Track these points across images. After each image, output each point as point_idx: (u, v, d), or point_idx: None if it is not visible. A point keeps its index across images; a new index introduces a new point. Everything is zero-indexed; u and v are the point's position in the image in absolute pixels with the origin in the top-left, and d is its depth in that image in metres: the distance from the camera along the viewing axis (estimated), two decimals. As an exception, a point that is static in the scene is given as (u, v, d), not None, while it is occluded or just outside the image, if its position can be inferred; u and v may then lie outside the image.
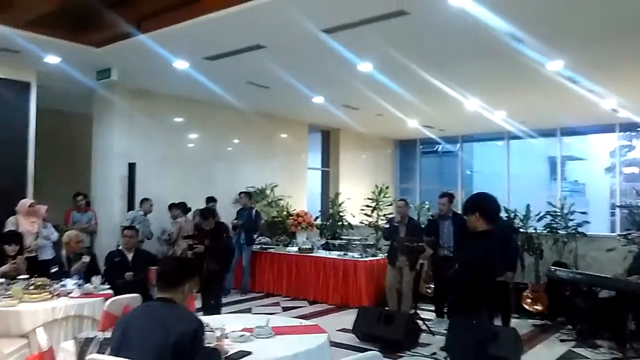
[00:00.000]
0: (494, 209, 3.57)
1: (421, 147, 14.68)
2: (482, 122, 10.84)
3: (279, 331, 3.44)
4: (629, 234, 6.86)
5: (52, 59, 6.81)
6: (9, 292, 4.25)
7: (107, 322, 3.75)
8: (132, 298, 3.98)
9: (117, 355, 2.50)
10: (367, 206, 9.89)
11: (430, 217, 7.04)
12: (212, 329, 3.07)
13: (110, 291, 4.70)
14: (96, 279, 4.87)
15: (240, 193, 8.99)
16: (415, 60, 6.67)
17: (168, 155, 9.09)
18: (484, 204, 3.50)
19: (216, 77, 7.71)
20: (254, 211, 8.80)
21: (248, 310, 7.32)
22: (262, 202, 10.05)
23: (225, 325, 3.27)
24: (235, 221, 8.63)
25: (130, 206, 8.25)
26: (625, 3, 4.89)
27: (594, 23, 5.44)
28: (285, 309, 7.65)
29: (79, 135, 9.18)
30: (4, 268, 4.87)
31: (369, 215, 9.74)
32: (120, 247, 5.77)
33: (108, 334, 2.91)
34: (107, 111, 8.54)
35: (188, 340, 2.50)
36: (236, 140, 10.46)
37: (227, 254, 6.46)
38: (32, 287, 4.33)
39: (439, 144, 14.40)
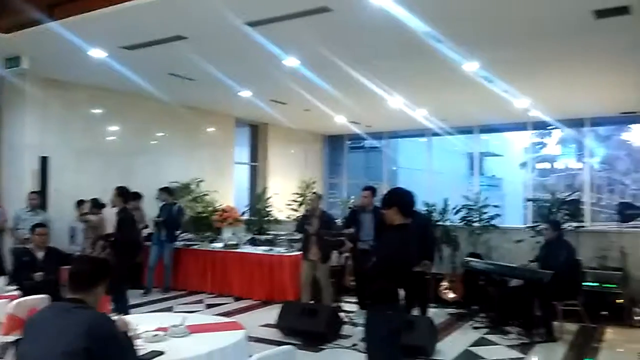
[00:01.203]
0: (410, 203, 3.72)
1: (349, 142, 14.93)
2: (405, 119, 11.17)
3: (195, 329, 3.39)
4: (537, 226, 7.35)
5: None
6: None
7: (11, 325, 3.54)
8: (39, 299, 3.78)
9: (24, 358, 2.37)
10: (294, 201, 9.94)
11: (351, 207, 7.17)
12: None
13: (17, 292, 4.43)
14: (1, 280, 4.59)
15: (161, 189, 8.72)
16: (341, 56, 6.76)
17: (86, 148, 8.67)
18: (400, 198, 3.62)
19: (136, 67, 7.43)
20: (176, 207, 8.57)
21: (169, 309, 7.15)
22: (187, 197, 9.82)
23: (138, 325, 3.17)
24: (157, 218, 8.38)
25: (43, 202, 7.78)
26: (535, 8, 5.19)
27: (507, 26, 5.75)
28: (209, 307, 7.54)
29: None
30: None
31: (296, 210, 9.79)
32: (29, 246, 5.45)
33: (12, 337, 2.75)
34: (17, 101, 8.00)
35: (103, 343, 2.41)
36: (160, 133, 10.14)
37: (127, 247, 6.22)
38: None
39: (366, 139, 14.71)
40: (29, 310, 3.46)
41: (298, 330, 5.78)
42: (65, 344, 2.37)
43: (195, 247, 8.82)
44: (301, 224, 6.95)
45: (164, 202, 8.56)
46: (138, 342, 3.01)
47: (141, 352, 2.86)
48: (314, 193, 7.26)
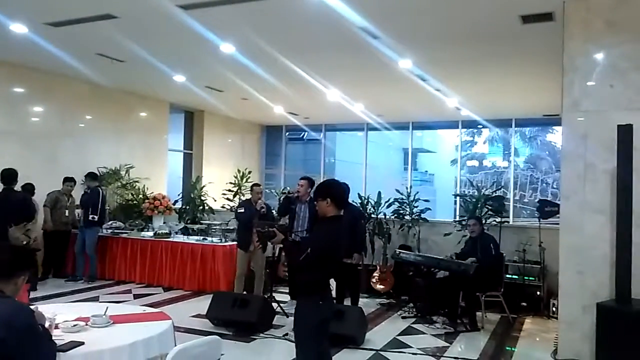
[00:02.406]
0: (343, 195, 3.75)
1: (287, 133, 14.90)
2: (343, 113, 11.28)
3: (119, 319, 3.26)
4: (463, 220, 7.65)
5: None
6: None
7: None
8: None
9: None
10: (229, 190, 9.80)
11: (286, 193, 7.14)
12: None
13: None
14: None
15: (86, 174, 8.35)
16: (277, 46, 6.71)
17: (5, 129, 8.11)
18: (334, 190, 3.64)
19: (62, 45, 7.03)
20: (97, 192, 8.17)
21: (95, 299, 6.86)
22: (116, 183, 9.43)
23: (57, 315, 3.02)
24: (78, 204, 8.08)
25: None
26: (468, 10, 5.37)
27: (441, 26, 5.91)
28: (136, 297, 7.31)
29: None
30: None
31: (231, 200, 9.66)
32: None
33: None
34: None
35: (19, 334, 2.30)
36: (88, 116, 9.65)
37: None
38: None
39: (305, 131, 14.73)
40: None
41: (229, 321, 5.72)
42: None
43: (124, 235, 8.50)
44: (245, 215, 6.81)
45: (87, 188, 8.19)
46: (56, 333, 2.87)
47: (59, 343, 2.72)
48: (257, 184, 7.18)
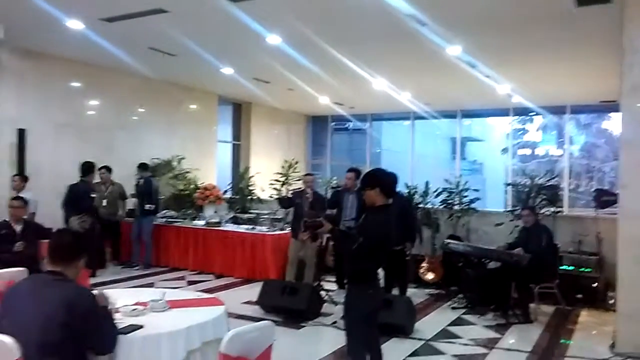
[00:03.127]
0: (392, 184, 3.73)
1: (333, 123, 14.89)
2: (389, 102, 11.17)
3: (175, 304, 3.38)
4: (515, 210, 7.46)
5: None
6: None
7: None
8: (17, 272, 3.73)
9: (3, 331, 2.35)
10: (277, 180, 9.92)
11: (334, 187, 7.19)
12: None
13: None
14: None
15: (138, 165, 8.62)
16: (324, 36, 6.70)
17: (64, 121, 8.50)
18: (382, 179, 3.63)
19: (116, 40, 7.27)
20: (151, 183, 8.47)
21: (151, 285, 7.12)
22: (168, 174, 9.72)
23: (117, 300, 3.16)
24: (133, 193, 8.41)
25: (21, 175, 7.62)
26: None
27: (491, 10, 5.74)
28: (190, 283, 7.54)
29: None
30: None
31: (278, 190, 9.78)
32: (7, 219, 5.36)
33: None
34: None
35: (81, 317, 2.42)
36: (141, 109, 9.97)
37: None
38: None
39: (350, 121, 14.69)
40: (7, 282, 3.42)
41: (279, 308, 5.82)
42: (45, 317, 2.38)
43: (177, 224, 8.78)
44: (288, 201, 6.94)
45: (140, 178, 8.48)
46: (117, 317, 3.00)
47: (120, 326, 2.85)
48: (309, 174, 7.28)
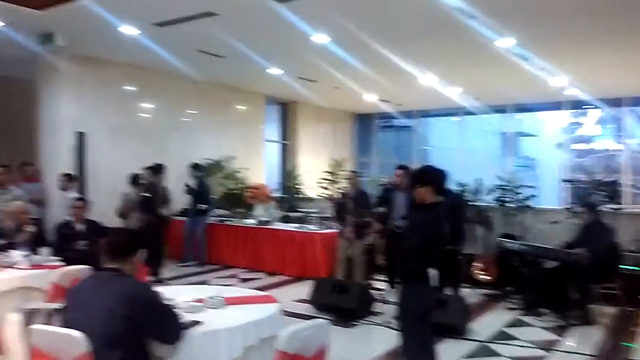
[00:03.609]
0: (443, 181, 3.67)
1: (379, 121, 14.79)
2: (437, 98, 11.00)
3: (231, 301, 3.43)
4: (573, 207, 7.18)
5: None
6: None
7: (55, 293, 3.67)
8: (82, 270, 3.90)
9: (67, 326, 2.46)
10: (325, 179, 9.95)
11: (384, 185, 7.13)
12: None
13: (59, 263, 4.57)
14: (44, 251, 4.73)
15: (190, 165, 8.83)
16: (371, 33, 6.66)
17: (120, 124, 8.82)
18: (433, 176, 3.58)
19: (167, 44, 7.48)
20: (203, 183, 8.70)
21: (204, 283, 7.29)
22: (219, 174, 9.92)
23: (175, 296, 3.24)
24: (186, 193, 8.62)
25: (81, 177, 7.97)
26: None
27: (545, 1, 5.55)
28: (242, 281, 7.66)
29: (22, 103, 8.78)
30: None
31: (327, 189, 9.81)
32: (69, 218, 5.61)
33: (55, 305, 2.86)
34: (52, 77, 8.16)
35: (143, 310, 2.51)
36: (191, 111, 10.23)
37: None
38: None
39: (397, 118, 14.55)
40: (73, 280, 3.58)
41: (330, 306, 5.82)
42: (108, 311, 2.47)
43: (229, 222, 8.95)
44: (339, 209, 6.96)
45: (192, 178, 8.68)
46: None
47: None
48: (353, 172, 7.27)
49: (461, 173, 11.73)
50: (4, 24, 6.48)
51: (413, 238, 3.45)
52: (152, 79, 9.29)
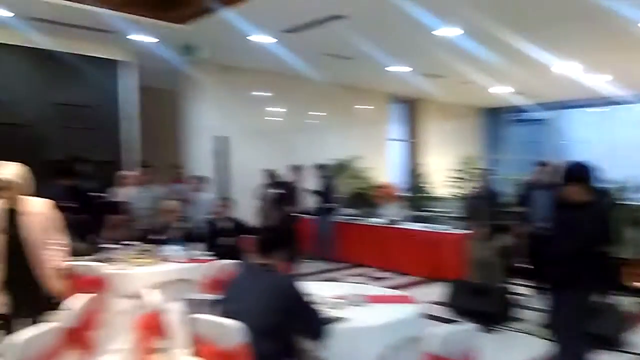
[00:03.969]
0: (594, 179, 3.37)
1: (510, 115, 13.99)
2: (578, 88, 10.13)
3: (371, 300, 3.45)
4: None
5: (140, 37, 7.11)
6: (120, 257, 4.60)
7: (210, 285, 3.97)
8: (234, 264, 4.18)
9: (225, 317, 2.64)
10: (454, 178, 9.64)
11: (527, 184, 6.70)
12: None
13: (211, 257, 4.92)
14: (196, 246, 5.12)
15: (316, 166, 9.02)
16: (503, 23, 6.35)
17: (251, 127, 9.35)
18: (585, 173, 3.30)
19: (296, 49, 7.75)
20: (329, 182, 8.85)
21: (335, 280, 7.42)
22: (346, 174, 10.07)
23: (316, 292, 3.31)
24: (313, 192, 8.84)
25: (222, 178, 8.55)
26: None
27: None
28: (372, 280, 7.69)
29: (168, 111, 9.65)
30: (112, 234, 5.26)
31: (456, 187, 9.50)
32: (216, 216, 6.04)
33: (214, 296, 3.09)
34: (193, 87, 8.88)
35: (294, 302, 2.65)
36: (317, 112, 10.53)
37: None
38: (139, 253, 4.66)
39: (528, 111, 13.65)
40: (227, 273, 3.84)
41: (468, 309, 5.60)
42: (261, 304, 2.61)
43: (357, 221, 9.04)
44: (470, 208, 6.69)
45: (318, 178, 8.89)
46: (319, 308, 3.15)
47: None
48: (484, 169, 6.96)
49: (606, 168, 10.71)
50: (156, 40, 7.15)
51: (565, 240, 3.19)
52: (280, 84, 9.71)
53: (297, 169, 8.26)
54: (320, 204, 8.79)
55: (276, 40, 7.23)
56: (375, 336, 3.02)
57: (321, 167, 9.01)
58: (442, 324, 4.84)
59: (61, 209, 3.51)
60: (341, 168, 10.09)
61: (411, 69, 9.12)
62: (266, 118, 9.75)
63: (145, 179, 7.06)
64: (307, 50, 7.86)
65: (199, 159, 8.87)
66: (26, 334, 2.52)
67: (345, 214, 9.26)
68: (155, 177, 7.49)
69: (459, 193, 9.36)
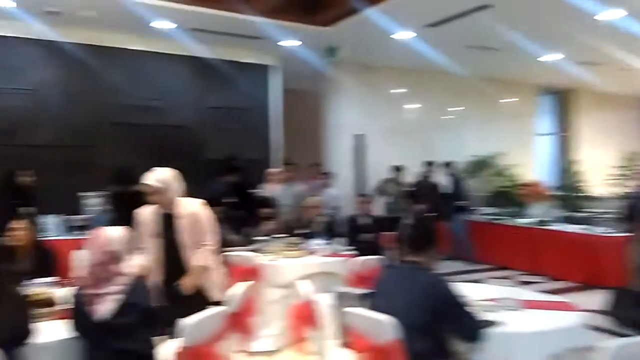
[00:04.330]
0: None
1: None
2: None
3: (526, 305, 3.24)
4: None
5: (287, 42, 7.45)
6: (271, 248, 4.88)
7: (357, 279, 4.06)
8: (379, 259, 4.22)
9: (377, 311, 2.66)
10: (616, 175, 8.71)
11: None
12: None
13: (353, 252, 5.01)
14: (339, 240, 5.26)
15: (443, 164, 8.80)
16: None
17: (390, 125, 9.34)
18: None
19: (437, 44, 7.58)
20: (458, 181, 8.58)
21: (477, 281, 7.11)
22: (488, 171, 9.62)
23: (466, 294, 3.19)
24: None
25: (360, 175, 8.65)
26: None
27: None
28: (520, 284, 7.23)
29: (310, 112, 10.00)
30: (264, 227, 5.60)
31: (617, 185, 8.58)
32: (358, 212, 6.16)
33: (361, 290, 3.14)
34: (334, 87, 9.11)
35: (444, 302, 2.59)
36: (456, 107, 10.18)
37: None
38: (287, 245, 4.91)
39: None
40: (372, 268, 3.89)
41: (632, 320, 5.03)
42: (412, 302, 2.58)
43: (500, 222, 8.57)
44: (633, 207, 6.01)
45: (447, 176, 8.60)
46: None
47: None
48: None
49: None
50: (300, 42, 7.47)
51: None
52: (417, 80, 9.59)
53: (429, 165, 8.15)
54: (450, 203, 8.50)
55: (418, 35, 7.14)
56: (534, 344, 2.84)
57: (446, 166, 8.72)
58: (606, 335, 4.41)
59: (224, 204, 3.78)
60: (481, 165, 9.65)
61: (562, 58, 8.42)
62: (404, 115, 9.68)
63: (287, 177, 7.40)
64: (449, 43, 7.64)
65: (339, 157, 9.08)
66: (198, 316, 2.76)
67: (485, 214, 8.84)
68: (296, 174, 7.83)
69: (619, 192, 8.44)
